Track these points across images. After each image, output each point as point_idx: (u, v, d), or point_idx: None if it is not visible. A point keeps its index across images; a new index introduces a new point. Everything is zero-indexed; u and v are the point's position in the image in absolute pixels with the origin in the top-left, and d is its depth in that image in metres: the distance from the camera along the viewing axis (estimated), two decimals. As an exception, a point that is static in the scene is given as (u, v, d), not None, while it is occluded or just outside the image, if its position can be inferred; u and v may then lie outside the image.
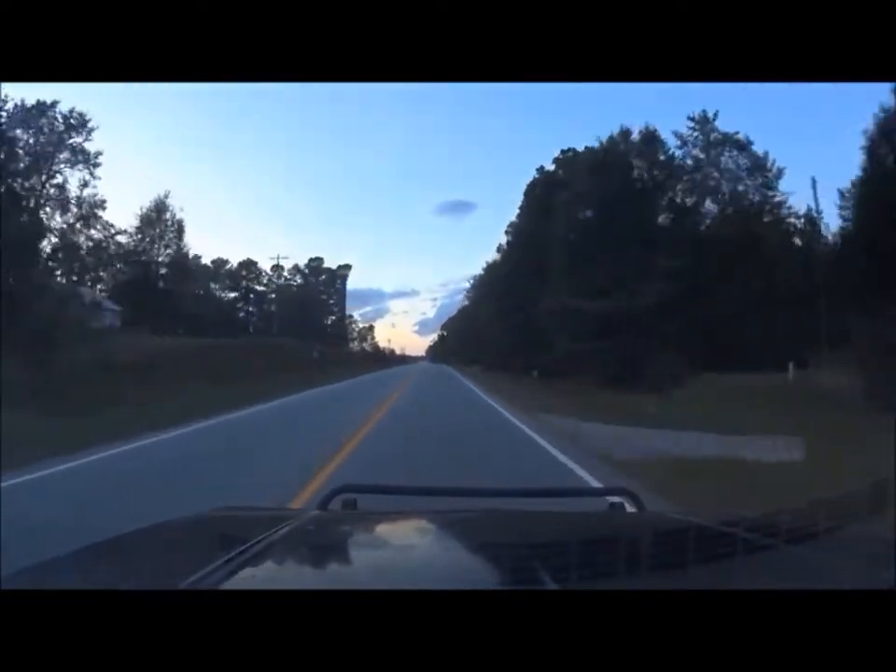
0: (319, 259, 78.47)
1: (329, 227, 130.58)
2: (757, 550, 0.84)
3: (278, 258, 50.34)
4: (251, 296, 66.42)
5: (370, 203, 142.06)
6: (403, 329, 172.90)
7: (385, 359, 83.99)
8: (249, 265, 66.69)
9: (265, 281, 69.79)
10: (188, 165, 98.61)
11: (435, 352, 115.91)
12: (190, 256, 54.63)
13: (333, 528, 1.21)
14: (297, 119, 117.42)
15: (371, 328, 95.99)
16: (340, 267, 79.75)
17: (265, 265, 79.76)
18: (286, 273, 73.33)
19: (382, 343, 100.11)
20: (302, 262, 77.19)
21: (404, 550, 1.07)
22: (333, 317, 79.23)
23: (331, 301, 78.59)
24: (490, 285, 43.83)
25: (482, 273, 54.54)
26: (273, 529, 0.96)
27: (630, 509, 1.38)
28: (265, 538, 0.91)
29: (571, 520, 1.28)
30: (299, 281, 76.24)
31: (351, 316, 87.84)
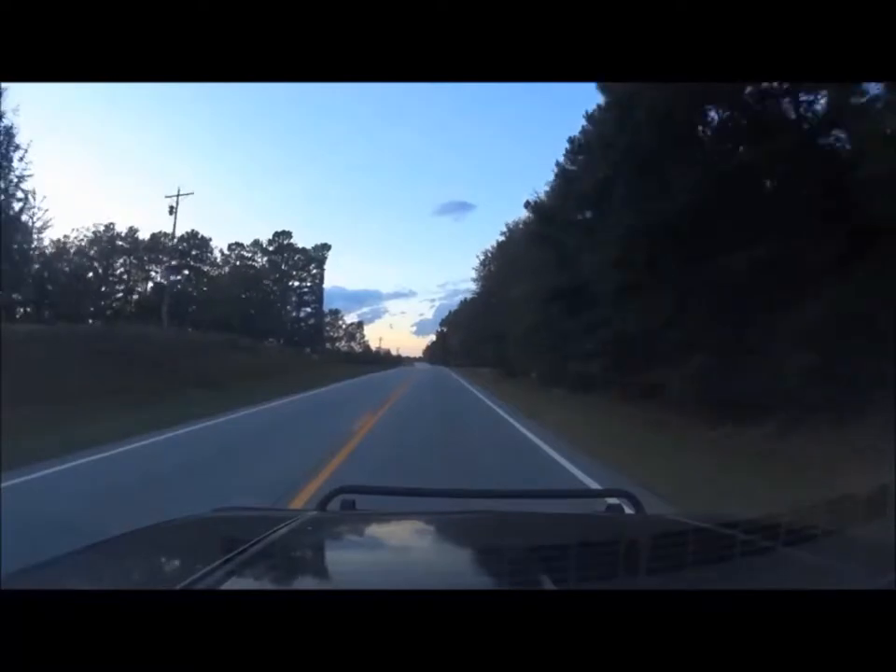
0: (286, 234, 58.47)
1: (326, 227, 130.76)
2: (756, 552, 0.85)
3: (178, 194, 28.37)
4: (192, 278, 48.59)
5: (368, 204, 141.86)
6: (401, 330, 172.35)
7: (378, 361, 71.34)
8: (192, 238, 48.18)
9: (217, 260, 52.58)
10: (184, 168, 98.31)
11: (433, 352, 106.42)
12: (124, 231, 42.69)
13: (332, 529, 1.21)
14: (296, 117, 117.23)
15: (361, 325, 78.73)
16: (316, 247, 59.87)
17: (220, 242, 63.79)
18: (244, 252, 56.45)
19: (374, 343, 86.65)
20: (265, 237, 58.67)
21: (403, 551, 1.07)
22: (309, 309, 60.63)
23: (305, 289, 60.09)
24: (528, 238, 22.32)
25: (502, 238, 39.43)
26: (272, 530, 0.96)
27: (628, 510, 1.38)
28: (264, 538, 0.91)
29: (570, 521, 1.28)
30: (261, 261, 58.07)
31: (338, 312, 71.91)
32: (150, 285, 45.58)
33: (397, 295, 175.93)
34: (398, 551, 1.07)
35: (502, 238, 39.71)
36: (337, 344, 69.32)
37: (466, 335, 60.04)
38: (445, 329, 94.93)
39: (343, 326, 73.23)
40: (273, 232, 60.73)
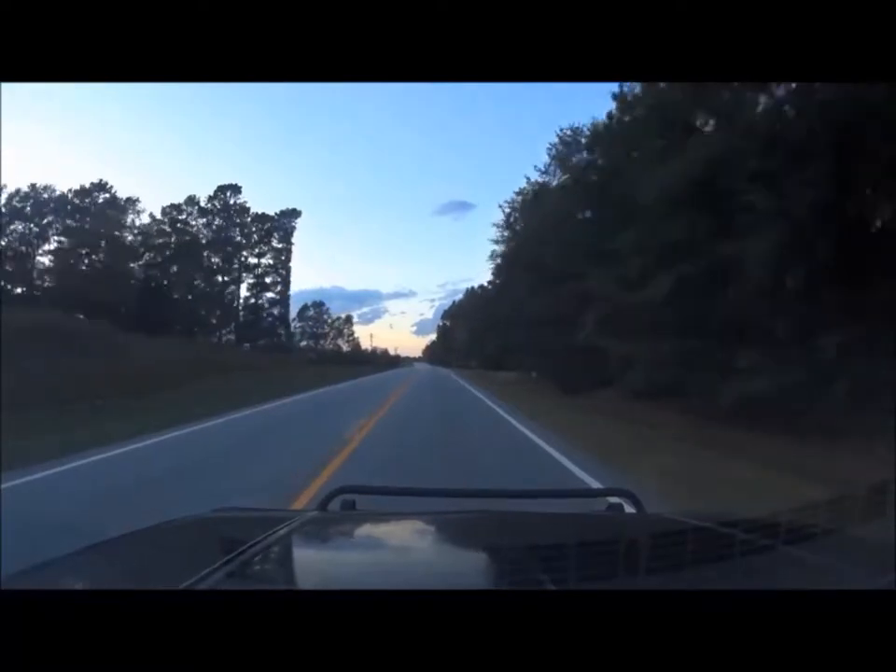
0: (233, 189, 42.01)
1: (324, 227, 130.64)
2: (756, 551, 0.85)
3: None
4: (101, 246, 33.06)
5: (368, 203, 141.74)
6: (401, 330, 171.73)
7: (371, 361, 61.35)
8: (99, 190, 33.46)
9: (145, 224, 37.39)
10: (182, 168, 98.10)
11: (433, 352, 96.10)
12: (24, 187, 29.89)
13: (332, 529, 1.21)
14: (294, 116, 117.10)
15: (349, 319, 64.43)
16: (281, 214, 44.66)
17: (152, 203, 48.71)
18: (178, 215, 40.00)
19: (365, 341, 76.23)
20: (205, 195, 41.82)
21: (403, 550, 1.07)
22: (271, 295, 45.24)
23: (267, 268, 44.74)
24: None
25: (532, 185, 24.62)
26: (273, 530, 0.96)
27: (629, 509, 1.38)
28: (264, 538, 0.91)
29: (570, 521, 1.28)
30: (196, 223, 41.18)
31: (322, 304, 58.13)
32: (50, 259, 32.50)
33: (397, 295, 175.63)
34: (398, 551, 1.07)
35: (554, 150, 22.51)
36: (321, 342, 57.87)
37: (474, 325, 47.05)
38: (448, 323, 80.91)
39: (329, 321, 59.88)
40: (215, 187, 42.38)
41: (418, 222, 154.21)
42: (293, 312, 50.59)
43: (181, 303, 36.36)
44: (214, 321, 41.65)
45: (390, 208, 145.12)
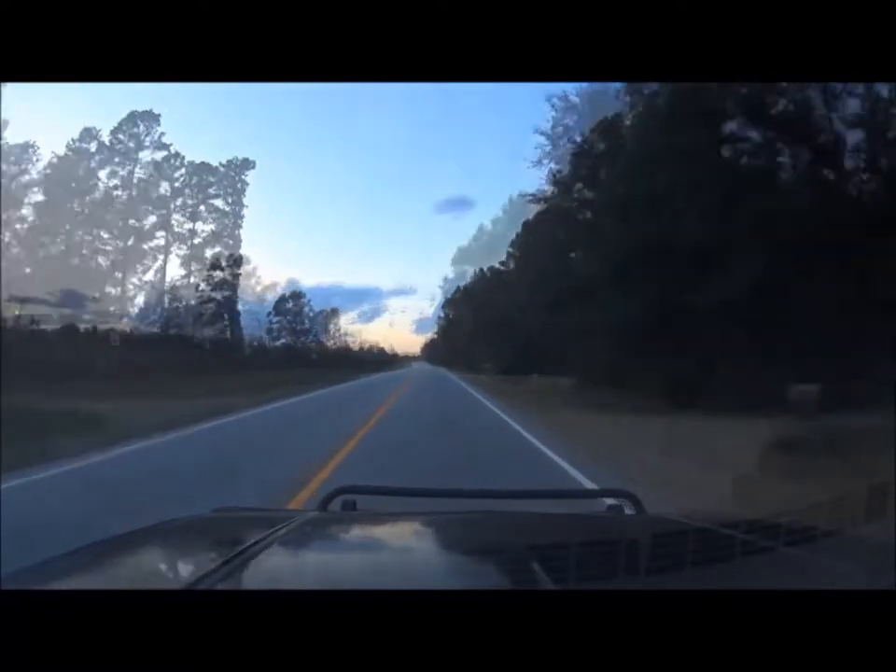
0: (147, 118, 30.68)
1: (323, 225, 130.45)
2: (756, 552, 0.85)
3: None
4: None
5: (368, 199, 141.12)
6: (401, 328, 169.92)
7: (363, 361, 49.76)
8: None
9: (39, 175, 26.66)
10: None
11: (433, 350, 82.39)
12: None
13: (333, 529, 1.21)
14: (293, 117, 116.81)
15: (335, 311, 50.95)
16: (227, 164, 33.34)
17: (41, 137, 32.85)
18: (69, 153, 28.63)
19: (356, 337, 57.39)
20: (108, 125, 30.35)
21: (403, 551, 1.07)
22: (220, 274, 33.15)
23: (207, 236, 33.80)
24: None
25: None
26: (273, 530, 0.96)
27: (629, 510, 1.38)
28: (265, 538, 0.91)
29: (570, 521, 1.28)
30: (92, 164, 29.74)
31: (302, 296, 43.91)
32: None
33: (397, 292, 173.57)
34: (398, 551, 1.07)
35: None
36: (302, 339, 45.43)
37: (486, 314, 37.84)
38: (451, 315, 63.15)
39: (311, 314, 46.23)
40: (125, 113, 29.97)
41: (418, 219, 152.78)
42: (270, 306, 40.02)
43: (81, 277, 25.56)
44: (121, 306, 30.90)
45: (390, 204, 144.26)
